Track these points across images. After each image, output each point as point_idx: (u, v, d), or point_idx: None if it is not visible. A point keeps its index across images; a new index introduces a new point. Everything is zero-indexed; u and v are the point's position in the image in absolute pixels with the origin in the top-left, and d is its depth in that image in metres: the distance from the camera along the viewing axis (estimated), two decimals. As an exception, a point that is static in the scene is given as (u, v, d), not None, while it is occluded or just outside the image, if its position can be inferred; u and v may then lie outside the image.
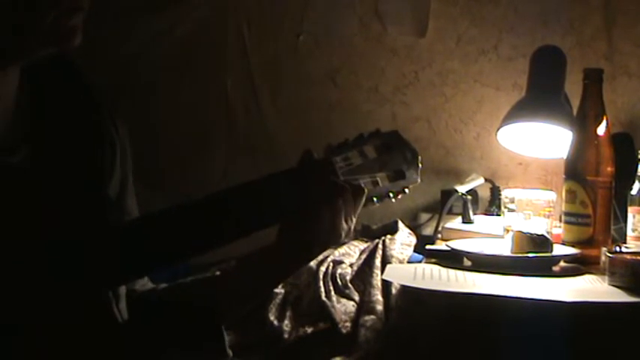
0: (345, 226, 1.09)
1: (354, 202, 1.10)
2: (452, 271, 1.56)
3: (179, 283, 1.20)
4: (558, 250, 1.67)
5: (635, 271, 1.42)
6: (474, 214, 2.09)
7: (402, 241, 2.02)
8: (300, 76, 2.38)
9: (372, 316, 1.82)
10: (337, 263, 1.96)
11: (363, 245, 2.05)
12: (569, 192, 1.71)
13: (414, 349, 1.41)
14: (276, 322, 1.85)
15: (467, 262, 1.66)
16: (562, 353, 1.34)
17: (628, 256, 1.48)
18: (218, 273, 1.20)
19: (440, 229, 2.02)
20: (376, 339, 1.77)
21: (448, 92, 2.33)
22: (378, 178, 1.13)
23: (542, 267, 1.61)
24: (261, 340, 1.83)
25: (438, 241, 1.93)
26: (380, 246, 1.99)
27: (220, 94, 2.39)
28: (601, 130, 1.72)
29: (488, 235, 1.91)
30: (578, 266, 1.64)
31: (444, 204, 2.10)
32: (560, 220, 1.79)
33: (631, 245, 1.73)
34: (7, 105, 1.05)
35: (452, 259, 1.66)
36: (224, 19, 2.38)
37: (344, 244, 2.01)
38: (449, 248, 1.70)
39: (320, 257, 1.92)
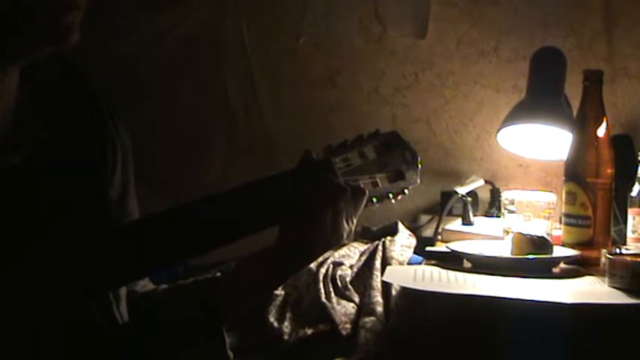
0: (345, 227, 1.09)
1: (355, 203, 1.10)
2: (452, 273, 1.56)
3: (179, 285, 1.19)
4: (558, 251, 1.67)
5: (636, 273, 1.42)
6: (474, 215, 2.09)
7: (402, 243, 2.01)
8: (300, 77, 2.38)
9: (372, 318, 1.82)
10: (337, 265, 1.96)
11: (363, 247, 2.04)
12: (569, 194, 1.71)
13: (414, 351, 1.41)
14: (276, 324, 1.85)
15: (467, 264, 1.66)
16: (562, 355, 1.34)
17: (628, 258, 1.48)
18: (218, 274, 1.20)
19: (440, 230, 2.02)
20: (376, 341, 1.77)
21: (448, 94, 2.33)
22: (378, 179, 1.13)
23: (542, 269, 1.61)
24: (261, 342, 1.83)
25: (438, 243, 1.93)
26: (380, 247, 1.99)
27: (220, 95, 2.39)
28: (601, 131, 1.72)
29: (488, 236, 1.91)
30: (579, 268, 1.64)
31: (444, 205, 2.10)
32: (560, 222, 1.79)
33: (631, 247, 1.73)
34: (7, 105, 1.05)
35: (452, 261, 1.66)
36: (224, 19, 2.38)
37: (344, 245, 2.01)
38: (449, 250, 1.70)
39: (320, 259, 1.91)
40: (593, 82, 1.74)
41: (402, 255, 1.97)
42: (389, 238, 2.03)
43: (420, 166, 1.15)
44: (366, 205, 1.12)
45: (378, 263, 1.94)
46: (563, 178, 1.74)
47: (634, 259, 1.46)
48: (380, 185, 1.13)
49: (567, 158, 1.74)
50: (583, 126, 1.73)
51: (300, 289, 1.92)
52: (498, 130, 2.01)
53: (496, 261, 1.62)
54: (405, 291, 1.54)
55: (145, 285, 1.20)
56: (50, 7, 0.98)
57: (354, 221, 1.11)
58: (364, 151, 1.12)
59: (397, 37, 2.33)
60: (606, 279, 1.47)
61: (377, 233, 2.12)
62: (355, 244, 2.05)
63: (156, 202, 1.14)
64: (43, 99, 1.09)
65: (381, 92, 2.35)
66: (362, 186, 1.11)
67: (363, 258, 1.99)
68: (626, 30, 2.25)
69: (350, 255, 2.01)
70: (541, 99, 1.95)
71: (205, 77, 2.39)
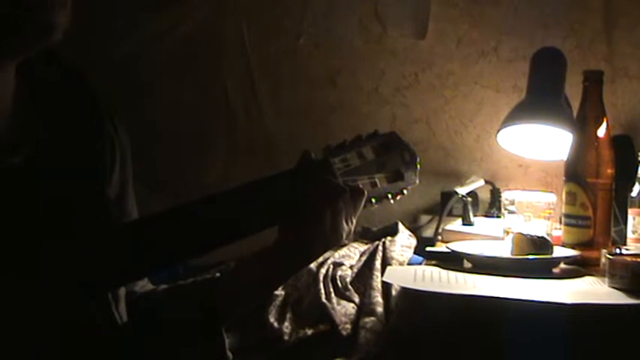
0: (345, 227, 1.09)
1: (354, 203, 1.10)
2: (452, 273, 1.56)
3: (179, 285, 1.19)
4: (558, 252, 1.67)
5: (636, 273, 1.42)
6: (474, 216, 2.09)
7: (402, 243, 2.01)
8: (300, 77, 2.38)
9: (372, 318, 1.82)
10: (337, 265, 1.96)
11: (363, 247, 2.04)
12: (569, 194, 1.71)
13: (414, 351, 1.41)
14: (276, 324, 1.84)
15: (467, 264, 1.66)
16: (562, 355, 1.34)
17: (628, 258, 1.48)
18: (218, 274, 1.20)
19: (440, 230, 2.02)
20: (376, 341, 1.77)
21: (448, 94, 2.33)
22: (377, 180, 1.13)
23: (543, 269, 1.61)
24: (261, 342, 1.83)
25: (438, 243, 1.93)
26: (380, 248, 1.99)
27: (220, 95, 2.39)
28: (601, 132, 1.72)
29: (488, 237, 1.91)
30: (579, 268, 1.64)
31: (444, 206, 2.10)
32: (561, 222, 1.79)
33: (631, 247, 1.73)
34: (6, 105, 1.05)
35: (452, 261, 1.66)
36: (224, 19, 2.38)
37: (344, 245, 2.01)
38: (449, 250, 1.70)
39: (320, 259, 1.91)
40: (593, 82, 1.74)
41: (402, 255, 1.97)
42: (389, 238, 2.03)
43: (418, 166, 1.15)
44: (365, 206, 1.12)
45: (378, 263, 1.94)
46: (564, 178, 1.74)
47: (634, 259, 1.46)
48: (379, 186, 1.13)
49: (567, 158, 1.74)
50: (583, 126, 1.73)
51: (301, 289, 1.92)
52: (498, 131, 2.01)
53: (496, 261, 1.62)
54: (405, 291, 1.54)
55: (144, 285, 1.20)
56: (36, 4, 0.98)
57: (354, 221, 1.11)
58: (363, 152, 1.12)
59: (397, 37, 2.33)
60: (606, 279, 1.47)
61: (377, 233, 2.12)
62: (355, 245, 2.05)
63: (156, 202, 1.14)
64: (42, 99, 1.09)
65: (381, 92, 2.35)
66: (361, 186, 1.11)
67: (363, 258, 1.99)
68: (626, 30, 2.25)
69: (350, 255, 2.01)
70: (541, 99, 1.95)
71: (205, 77, 2.39)
